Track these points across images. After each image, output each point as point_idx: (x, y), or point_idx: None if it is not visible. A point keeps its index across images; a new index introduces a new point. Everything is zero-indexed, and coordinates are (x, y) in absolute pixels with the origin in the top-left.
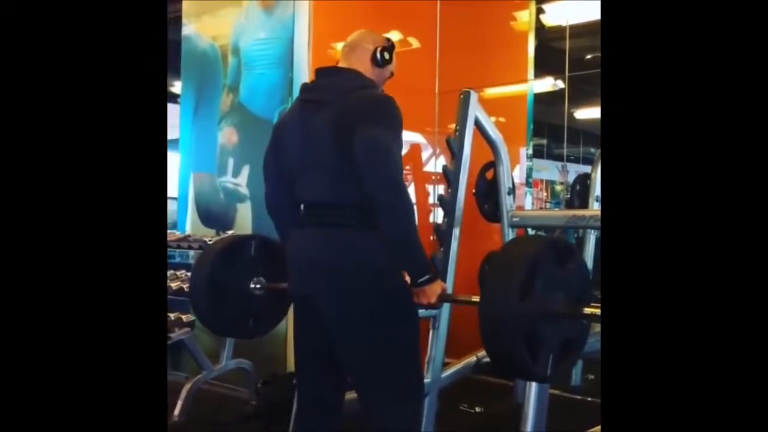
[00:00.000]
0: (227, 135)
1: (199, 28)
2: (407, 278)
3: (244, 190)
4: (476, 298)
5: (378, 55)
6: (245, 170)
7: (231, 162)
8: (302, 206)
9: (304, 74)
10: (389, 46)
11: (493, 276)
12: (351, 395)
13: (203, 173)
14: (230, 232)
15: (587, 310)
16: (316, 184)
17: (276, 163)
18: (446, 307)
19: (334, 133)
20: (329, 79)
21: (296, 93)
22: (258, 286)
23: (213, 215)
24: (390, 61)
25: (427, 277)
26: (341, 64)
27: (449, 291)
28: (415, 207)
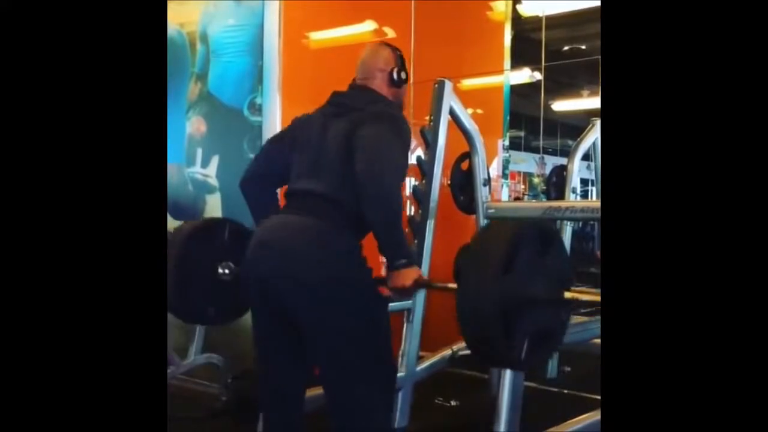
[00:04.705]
0: (195, 125)
1: None
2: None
3: (213, 181)
4: (453, 285)
5: (395, 77)
6: (214, 160)
7: (199, 152)
8: (289, 194)
9: (274, 62)
10: (402, 64)
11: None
12: (318, 390)
13: (171, 164)
14: None
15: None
16: (314, 177)
17: (281, 143)
18: (420, 300)
19: (345, 137)
20: (356, 91)
21: (266, 81)
22: (227, 270)
23: (181, 207)
24: (406, 80)
25: (404, 261)
26: (359, 82)
27: None
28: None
